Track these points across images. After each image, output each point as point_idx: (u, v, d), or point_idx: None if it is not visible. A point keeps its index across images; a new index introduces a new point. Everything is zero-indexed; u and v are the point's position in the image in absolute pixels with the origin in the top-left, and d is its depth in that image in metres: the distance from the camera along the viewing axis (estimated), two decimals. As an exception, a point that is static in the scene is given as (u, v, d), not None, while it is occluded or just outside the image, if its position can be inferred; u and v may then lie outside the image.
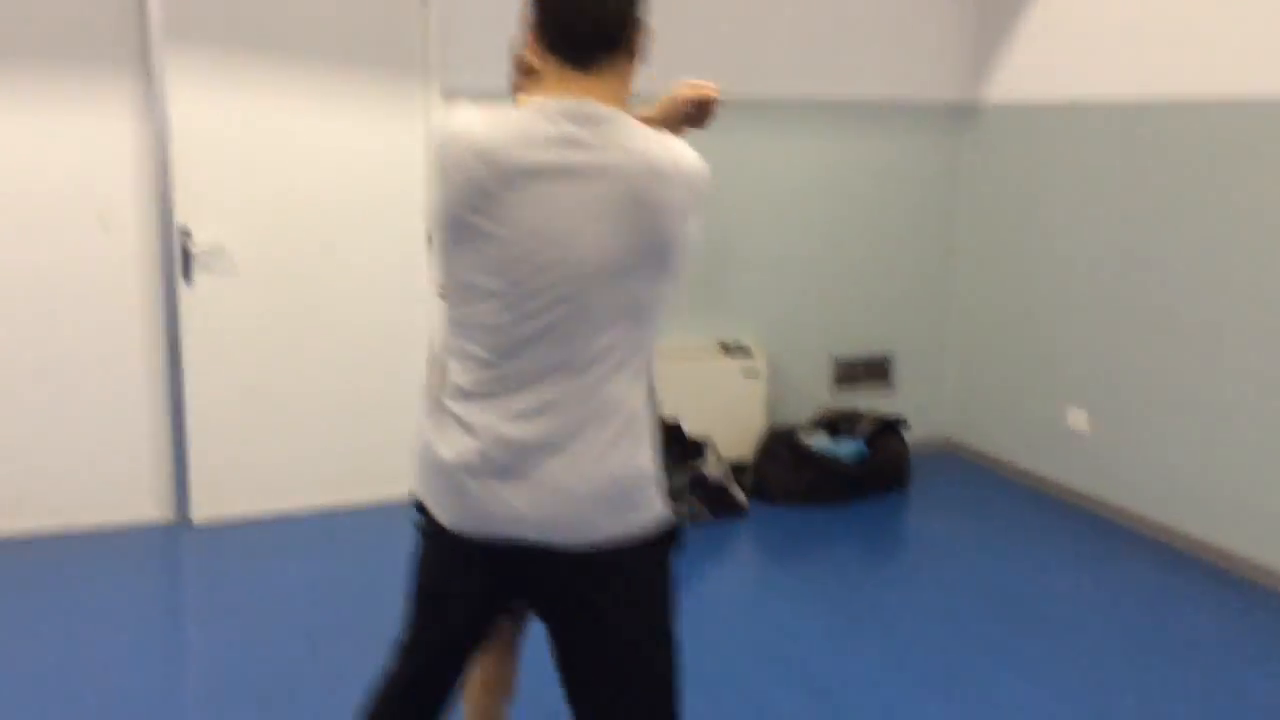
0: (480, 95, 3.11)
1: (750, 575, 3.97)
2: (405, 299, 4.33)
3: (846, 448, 4.58)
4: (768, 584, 3.86)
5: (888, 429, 4.74)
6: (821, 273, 4.98)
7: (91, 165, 3.92)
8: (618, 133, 1.59)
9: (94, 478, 4.10)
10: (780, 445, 4.56)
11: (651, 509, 1.68)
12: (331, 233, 4.24)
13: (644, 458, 1.66)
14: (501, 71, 2.82)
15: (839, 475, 4.51)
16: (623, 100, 1.66)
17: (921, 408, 5.20)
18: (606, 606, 1.66)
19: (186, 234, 4.03)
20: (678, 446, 4.32)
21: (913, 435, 4.95)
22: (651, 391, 1.69)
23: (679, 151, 1.61)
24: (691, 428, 4.45)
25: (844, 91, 4.84)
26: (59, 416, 4.02)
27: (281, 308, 4.22)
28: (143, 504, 4.16)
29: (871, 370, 5.14)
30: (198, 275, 4.07)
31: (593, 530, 1.62)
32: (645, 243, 1.57)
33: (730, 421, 4.65)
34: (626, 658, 1.68)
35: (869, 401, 5.05)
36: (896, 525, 4.41)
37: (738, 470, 4.55)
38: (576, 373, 1.59)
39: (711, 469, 4.31)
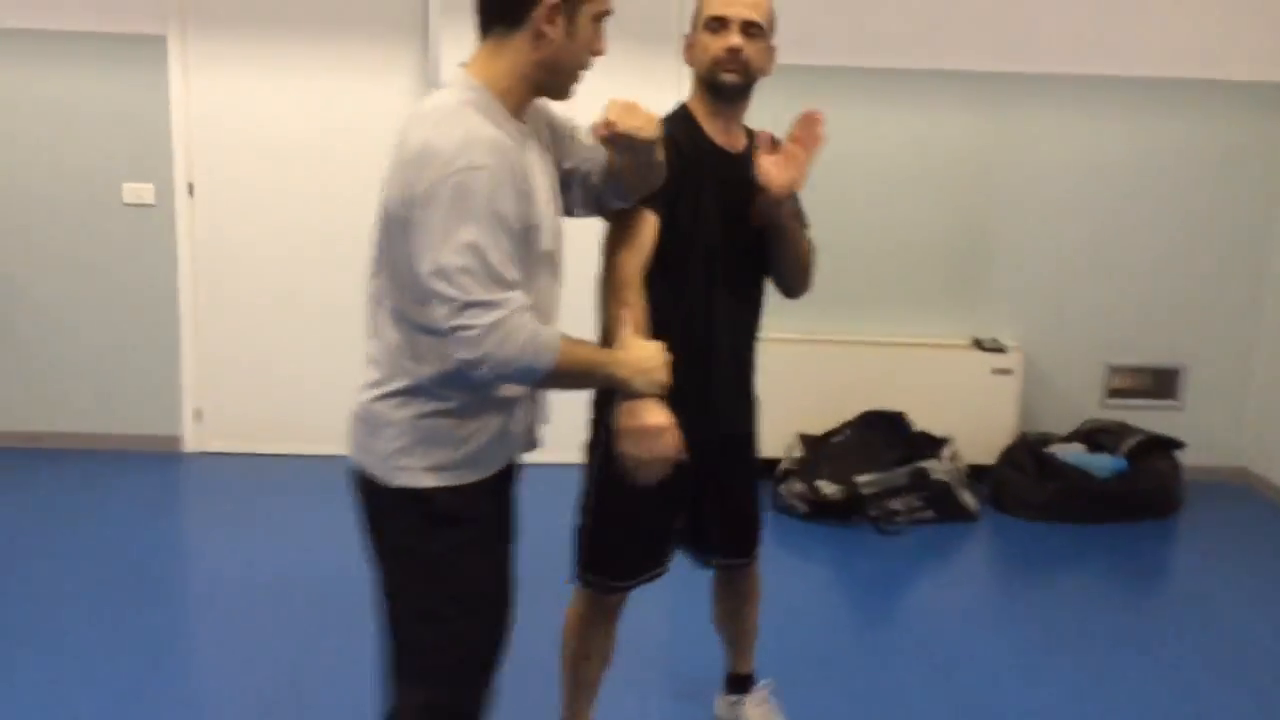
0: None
1: (964, 588, 3.65)
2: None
3: (1103, 463, 4.13)
4: (980, 600, 3.54)
5: (1157, 447, 4.22)
6: (1102, 269, 4.50)
7: (376, 125, 4.30)
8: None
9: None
10: (1026, 452, 4.19)
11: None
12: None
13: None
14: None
15: (1089, 492, 4.08)
16: (514, 74, 1.66)
17: (1212, 430, 4.58)
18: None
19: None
20: (903, 440, 4.09)
21: (1196, 460, 4.37)
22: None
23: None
24: (931, 424, 4.20)
25: (1137, 68, 4.34)
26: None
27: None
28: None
29: (1155, 383, 4.58)
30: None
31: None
32: None
33: (976, 422, 4.33)
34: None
35: (1146, 419, 4.49)
36: (1150, 557, 3.91)
37: (976, 474, 4.24)
38: None
39: (940, 468, 4.04)
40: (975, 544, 3.95)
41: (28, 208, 4.33)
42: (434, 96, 1.68)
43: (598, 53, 1.73)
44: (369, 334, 1.75)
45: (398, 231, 1.61)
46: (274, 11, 4.20)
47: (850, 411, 4.23)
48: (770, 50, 2.07)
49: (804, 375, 4.27)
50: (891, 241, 4.45)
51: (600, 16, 1.71)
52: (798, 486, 3.98)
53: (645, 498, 1.98)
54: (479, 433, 1.71)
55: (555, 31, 1.65)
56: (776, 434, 3.64)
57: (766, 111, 2.39)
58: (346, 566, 2.93)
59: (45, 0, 4.18)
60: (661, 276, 1.99)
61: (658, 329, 1.91)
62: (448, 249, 1.52)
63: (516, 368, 1.57)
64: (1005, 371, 4.33)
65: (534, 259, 1.68)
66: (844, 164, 4.20)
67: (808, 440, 4.19)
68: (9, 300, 4.39)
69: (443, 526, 1.71)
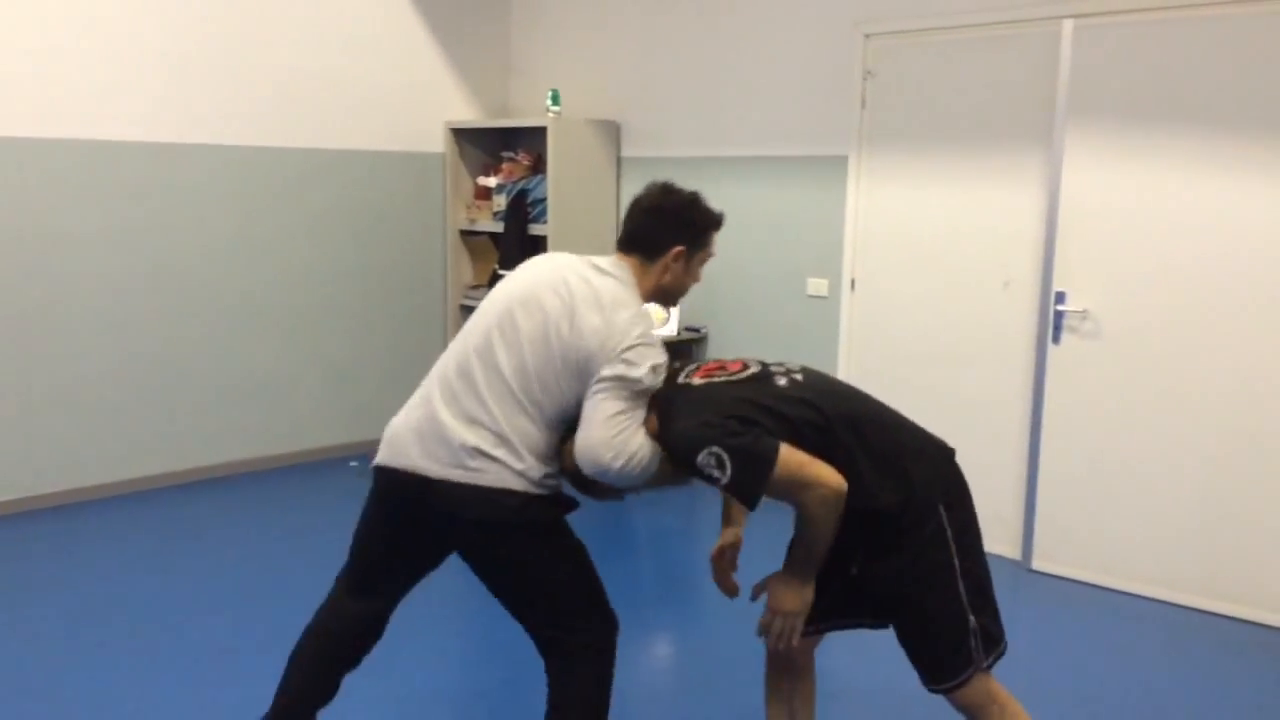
0: None
1: None
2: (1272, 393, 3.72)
3: None
4: None
5: None
6: None
7: (1002, 231, 4.45)
8: None
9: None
10: None
11: None
12: (1203, 309, 3.92)
13: None
14: None
15: None
16: (648, 288, 2.46)
17: None
18: None
19: (1060, 297, 4.25)
20: None
21: None
22: None
23: None
24: None
25: None
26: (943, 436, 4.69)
27: (1140, 376, 4.09)
28: (998, 536, 4.55)
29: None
30: (1065, 336, 4.25)
31: None
32: None
33: None
34: None
35: None
36: None
37: None
38: None
39: None
40: None
41: (740, 289, 5.49)
42: (613, 281, 2.37)
43: (696, 280, 2.47)
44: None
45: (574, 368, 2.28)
46: (925, 129, 4.66)
47: None
48: None
49: None
50: None
51: (706, 260, 2.46)
52: None
53: None
54: None
55: (677, 269, 2.40)
56: None
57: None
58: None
59: (752, 134, 5.29)
60: None
61: None
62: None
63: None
64: None
65: None
66: None
67: None
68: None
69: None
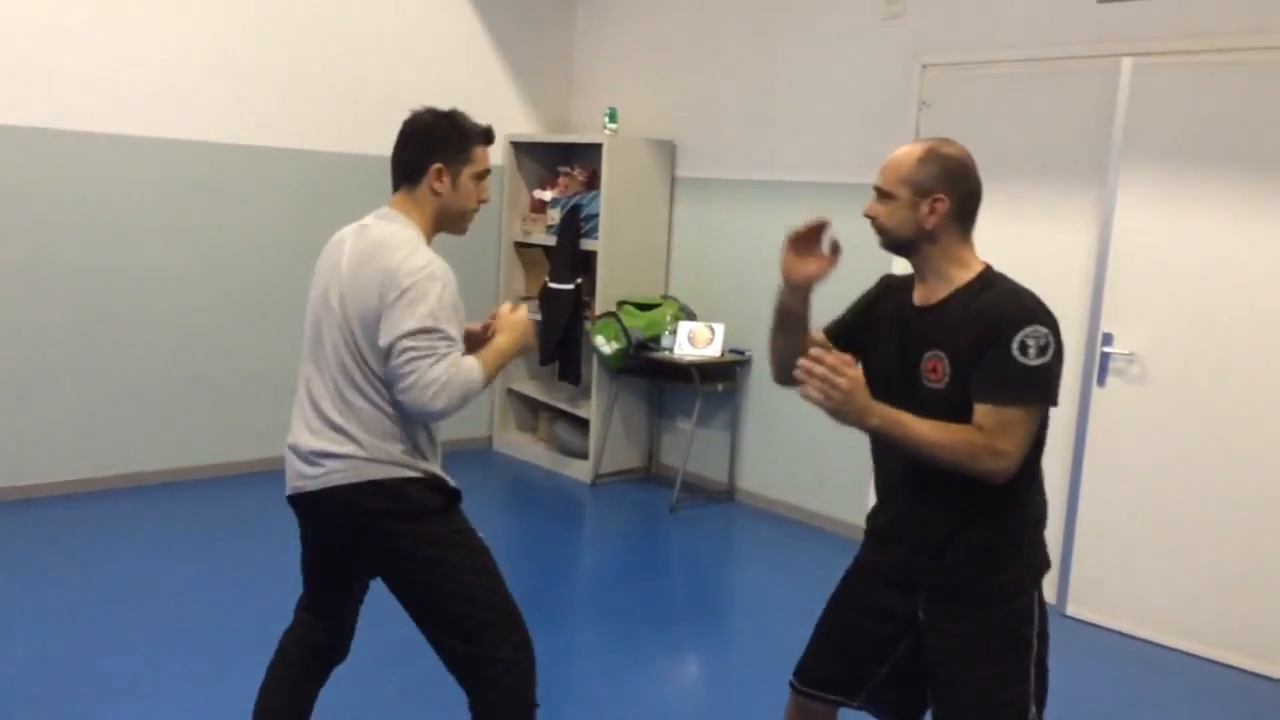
0: None
1: None
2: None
3: None
4: None
5: None
6: None
7: (1052, 269, 4.38)
8: None
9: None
10: None
11: None
12: (1251, 356, 3.83)
13: None
14: None
15: None
16: (425, 218, 2.39)
17: None
18: None
19: (1108, 339, 4.17)
20: None
21: None
22: None
23: None
24: None
25: None
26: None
27: (1184, 424, 4.00)
28: (1033, 579, 4.47)
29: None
30: (1110, 379, 4.18)
31: None
32: None
33: None
34: None
35: None
36: None
37: None
38: None
39: None
40: None
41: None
42: (384, 226, 2.34)
43: (483, 202, 2.41)
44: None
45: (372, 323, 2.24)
46: (977, 162, 4.60)
47: None
48: (909, 207, 2.07)
49: None
50: None
51: (478, 175, 2.37)
52: None
53: (840, 598, 2.24)
54: None
55: (444, 188, 2.34)
56: None
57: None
58: None
59: (807, 160, 5.27)
60: None
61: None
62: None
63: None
64: None
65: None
66: None
67: None
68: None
69: None
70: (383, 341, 2.21)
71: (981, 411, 1.95)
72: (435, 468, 2.35)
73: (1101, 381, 4.21)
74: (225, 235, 5.37)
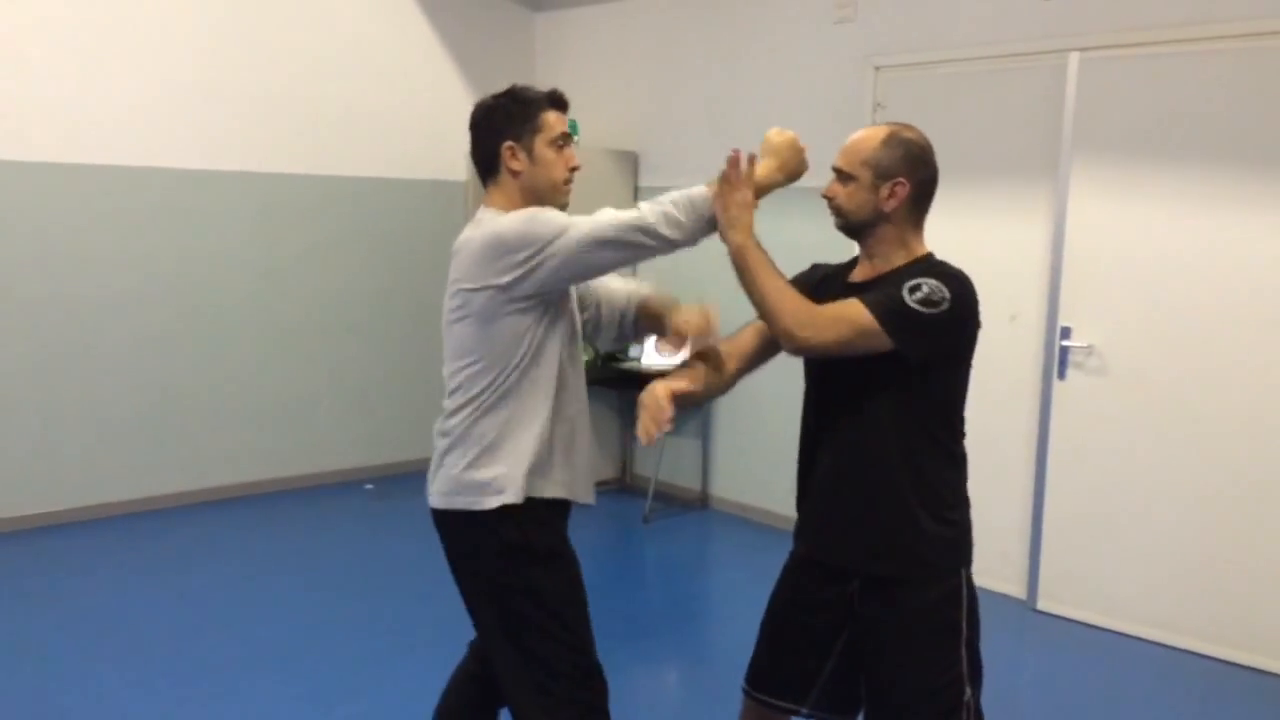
0: None
1: None
2: (1284, 434, 3.62)
3: None
4: None
5: None
6: None
7: (1008, 264, 4.40)
8: None
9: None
10: None
11: None
12: (1209, 346, 3.84)
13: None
14: None
15: None
16: (514, 204, 2.21)
17: None
18: None
19: (1066, 332, 4.19)
20: None
21: None
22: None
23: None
24: None
25: None
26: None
27: (1146, 414, 4.01)
28: (1004, 575, 4.47)
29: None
30: (1070, 372, 4.19)
31: None
32: None
33: None
34: None
35: None
36: None
37: None
38: None
39: None
40: None
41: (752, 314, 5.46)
42: (471, 228, 2.19)
43: (574, 169, 2.24)
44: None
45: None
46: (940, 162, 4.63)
47: None
48: (869, 190, 2.08)
49: None
50: None
51: (555, 142, 2.20)
52: None
53: (778, 598, 2.24)
54: None
55: (522, 164, 2.18)
56: None
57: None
58: None
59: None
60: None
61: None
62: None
63: None
64: None
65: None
66: None
67: None
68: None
69: None
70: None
71: (840, 302, 2.01)
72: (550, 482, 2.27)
73: (1062, 375, 4.22)
74: (186, 261, 5.34)
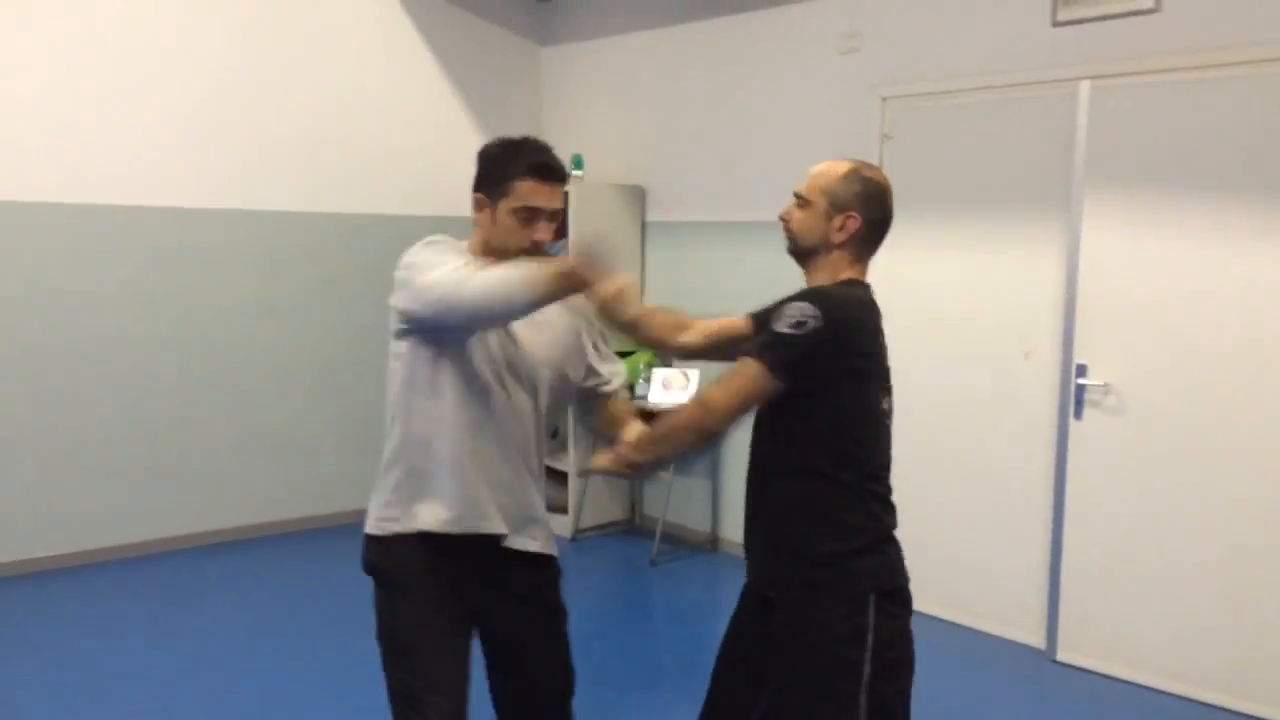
0: None
1: None
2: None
3: None
4: None
5: None
6: None
7: (1020, 299, 4.25)
8: None
9: (979, 579, 4.40)
10: None
11: None
12: (1230, 383, 3.67)
13: None
14: None
15: None
16: (476, 247, 2.20)
17: None
18: None
19: (1081, 370, 4.02)
20: None
21: None
22: None
23: None
24: None
25: None
26: (964, 514, 4.46)
27: (1167, 455, 3.83)
28: (1022, 623, 4.28)
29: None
30: (1087, 411, 4.02)
31: None
32: None
33: None
34: None
35: None
36: None
37: None
38: None
39: None
40: None
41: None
42: None
43: (535, 243, 2.12)
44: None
45: None
46: (942, 192, 4.49)
47: None
48: (822, 218, 2.09)
49: None
50: None
51: (517, 212, 2.10)
52: None
53: (728, 628, 2.27)
54: None
55: (484, 220, 2.17)
56: None
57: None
58: None
59: (774, 198, 5.16)
60: None
61: None
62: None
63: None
64: None
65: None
66: None
67: None
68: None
69: None
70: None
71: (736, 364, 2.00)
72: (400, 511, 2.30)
73: (1079, 415, 4.05)
74: (187, 300, 5.29)
